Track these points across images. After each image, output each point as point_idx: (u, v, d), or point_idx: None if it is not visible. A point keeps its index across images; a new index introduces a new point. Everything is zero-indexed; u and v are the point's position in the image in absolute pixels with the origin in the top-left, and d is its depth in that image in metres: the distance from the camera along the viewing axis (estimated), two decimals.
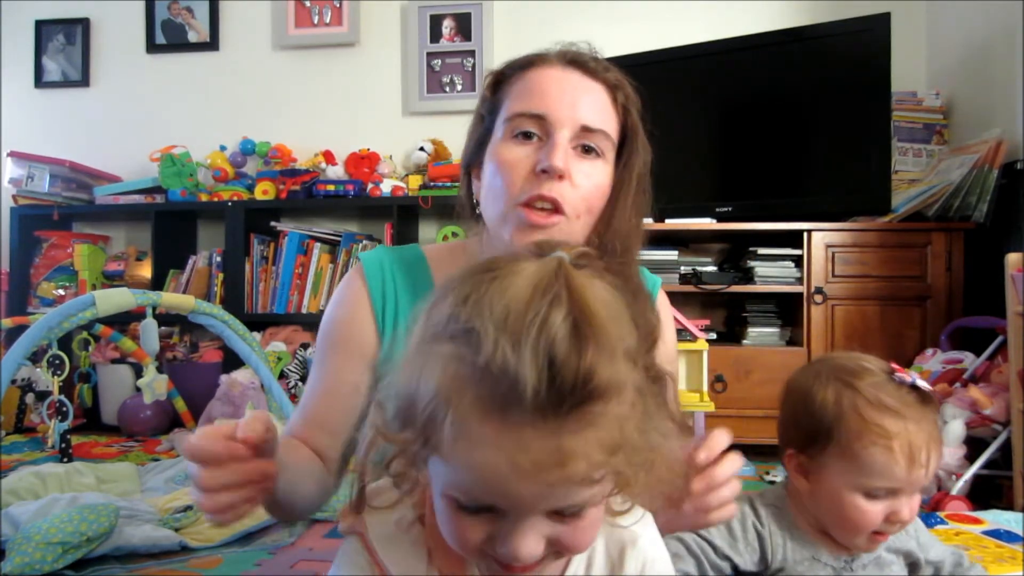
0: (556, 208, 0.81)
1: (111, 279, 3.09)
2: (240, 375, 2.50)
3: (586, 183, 0.83)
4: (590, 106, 0.83)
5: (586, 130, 0.82)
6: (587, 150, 0.83)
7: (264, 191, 2.92)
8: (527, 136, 0.83)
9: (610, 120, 0.85)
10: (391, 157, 3.03)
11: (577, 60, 0.85)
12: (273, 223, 2.99)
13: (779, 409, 0.94)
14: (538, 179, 0.81)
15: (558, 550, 0.50)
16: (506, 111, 0.85)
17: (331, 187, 2.87)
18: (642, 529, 0.60)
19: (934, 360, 2.19)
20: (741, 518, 0.90)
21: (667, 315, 0.98)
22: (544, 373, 0.42)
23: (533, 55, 0.87)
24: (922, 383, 0.85)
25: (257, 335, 2.66)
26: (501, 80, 0.89)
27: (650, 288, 0.97)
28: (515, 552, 0.48)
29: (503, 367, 0.43)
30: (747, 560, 0.90)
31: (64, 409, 1.97)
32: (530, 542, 0.48)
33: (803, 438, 0.87)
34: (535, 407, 0.43)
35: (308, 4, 3.09)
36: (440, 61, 3.03)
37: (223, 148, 3.10)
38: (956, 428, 1.87)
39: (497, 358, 0.43)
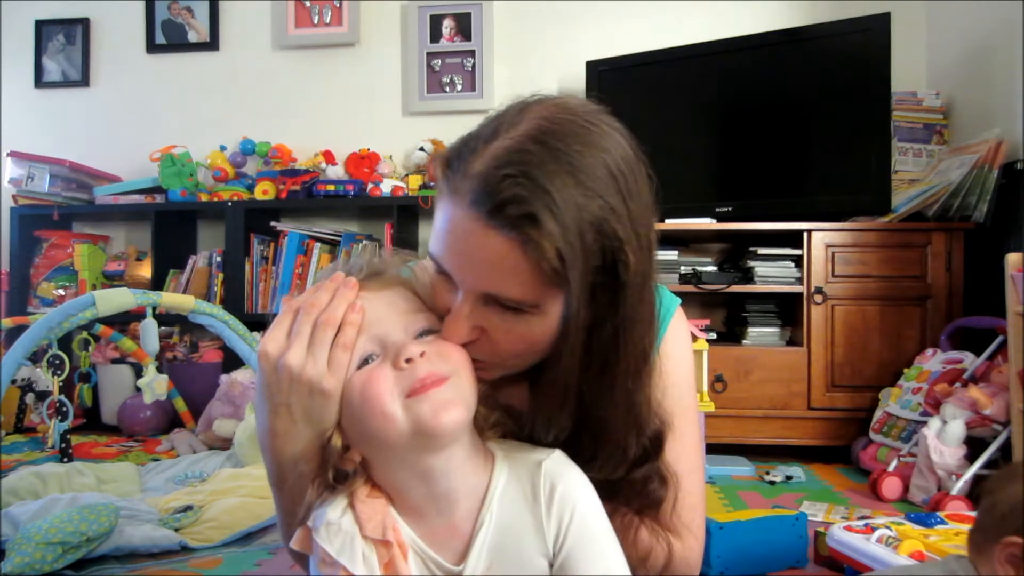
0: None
1: (111, 279, 3.09)
2: (240, 375, 2.50)
3: (505, 337, 0.68)
4: (491, 273, 0.65)
5: (492, 297, 0.66)
6: (505, 307, 0.67)
7: (264, 191, 2.92)
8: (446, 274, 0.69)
9: (522, 283, 0.64)
10: (391, 157, 3.03)
11: (481, 202, 0.63)
12: (273, 223, 2.99)
13: (996, 493, 0.88)
14: None
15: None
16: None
17: (331, 187, 2.87)
18: (546, 456, 0.67)
19: (934, 360, 2.19)
20: None
21: (674, 346, 0.84)
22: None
23: (454, 169, 0.67)
24: None
25: (257, 335, 2.65)
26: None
27: (662, 316, 0.81)
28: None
29: None
30: None
31: (64, 409, 1.97)
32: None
33: None
34: None
35: (308, 4, 3.09)
36: (440, 61, 3.03)
37: (223, 148, 3.10)
38: (956, 428, 1.88)
39: None
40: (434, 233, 0.69)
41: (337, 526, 0.62)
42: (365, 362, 0.63)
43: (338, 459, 0.63)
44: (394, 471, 0.63)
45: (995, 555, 0.84)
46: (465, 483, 0.64)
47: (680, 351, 0.87)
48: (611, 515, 0.73)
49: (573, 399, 0.71)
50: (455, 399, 0.61)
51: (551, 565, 0.63)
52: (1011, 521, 0.84)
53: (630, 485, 0.75)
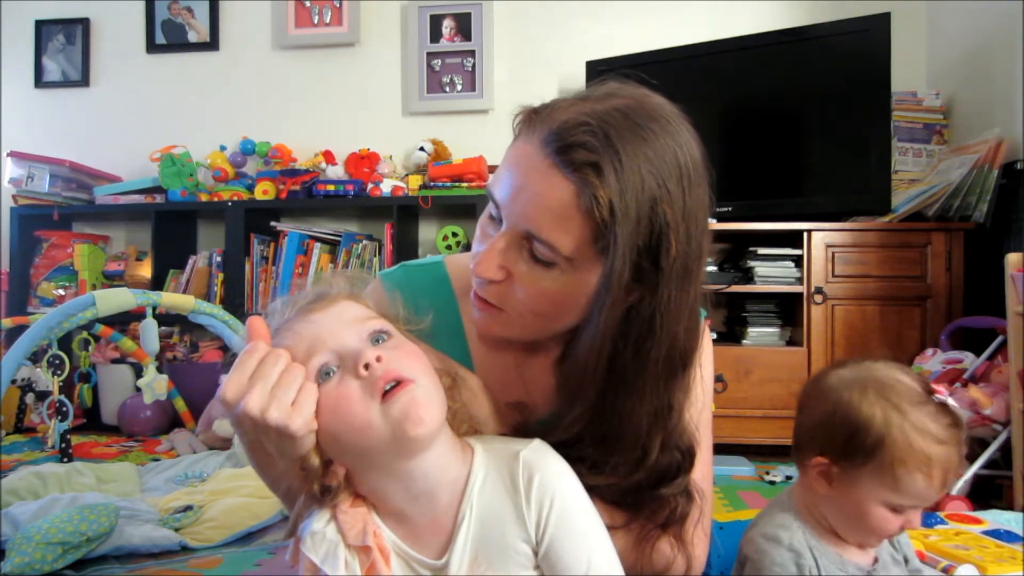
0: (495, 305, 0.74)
1: (111, 279, 3.09)
2: None
3: (528, 289, 0.70)
4: (540, 211, 0.66)
5: (530, 240, 0.68)
6: (536, 259, 0.69)
7: (264, 191, 2.92)
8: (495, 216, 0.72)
9: (566, 230, 0.66)
10: (391, 157, 3.03)
11: (552, 141, 0.66)
12: (273, 223, 2.99)
13: (803, 412, 0.93)
14: None
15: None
16: None
17: (331, 187, 2.87)
18: (524, 446, 0.68)
19: (934, 360, 2.19)
20: (796, 556, 0.87)
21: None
22: None
23: (536, 115, 0.71)
24: (952, 403, 0.85)
25: None
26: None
27: None
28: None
29: None
30: None
31: (64, 409, 1.97)
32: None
33: (839, 450, 0.87)
34: None
35: (308, 4, 3.09)
36: (440, 61, 3.03)
37: (223, 148, 3.10)
38: None
39: None
40: (501, 162, 0.72)
41: (321, 535, 0.64)
42: (326, 375, 0.63)
43: (321, 475, 0.64)
44: (374, 478, 0.64)
45: (809, 472, 0.90)
46: (444, 478, 0.65)
47: (703, 365, 0.87)
48: (630, 526, 0.74)
49: (598, 381, 0.71)
50: (425, 399, 0.62)
51: (536, 553, 0.65)
52: (816, 441, 0.90)
53: (656, 500, 0.75)
